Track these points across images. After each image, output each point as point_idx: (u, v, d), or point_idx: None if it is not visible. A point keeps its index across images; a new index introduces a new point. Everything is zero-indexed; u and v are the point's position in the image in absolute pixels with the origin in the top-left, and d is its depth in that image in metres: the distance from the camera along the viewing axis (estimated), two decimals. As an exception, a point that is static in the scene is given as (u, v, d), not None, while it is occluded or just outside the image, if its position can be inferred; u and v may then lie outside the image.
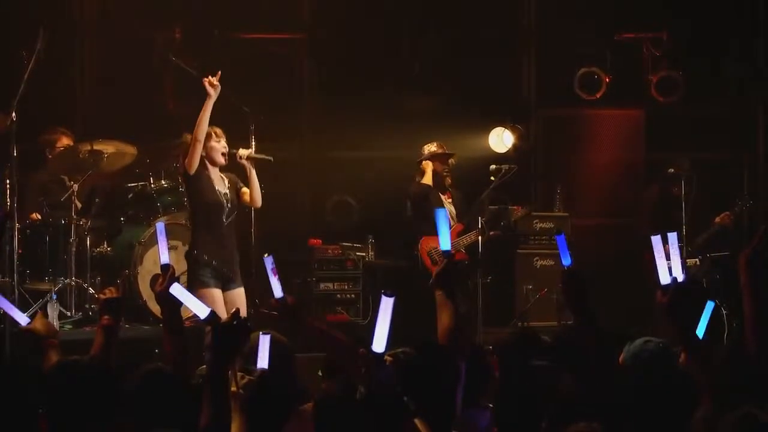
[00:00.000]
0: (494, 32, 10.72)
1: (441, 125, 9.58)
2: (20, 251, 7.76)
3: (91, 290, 8.11)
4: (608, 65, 10.47)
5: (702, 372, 3.39)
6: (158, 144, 8.93)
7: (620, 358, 3.79)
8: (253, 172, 7.01)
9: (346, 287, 9.58)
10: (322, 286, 9.54)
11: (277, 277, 3.79)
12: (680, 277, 3.43)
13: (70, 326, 7.92)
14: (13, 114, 7.46)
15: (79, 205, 8.36)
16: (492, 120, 10.13)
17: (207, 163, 6.91)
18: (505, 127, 10.01)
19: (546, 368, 3.68)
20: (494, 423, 3.72)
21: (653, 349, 3.74)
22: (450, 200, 8.80)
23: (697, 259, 9.17)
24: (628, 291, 8.88)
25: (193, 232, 7.09)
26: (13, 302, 4.20)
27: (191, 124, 6.84)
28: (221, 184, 6.99)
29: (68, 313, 8.01)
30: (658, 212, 9.38)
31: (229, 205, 6.97)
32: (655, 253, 3.45)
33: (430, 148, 8.81)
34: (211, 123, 6.86)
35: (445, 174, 8.77)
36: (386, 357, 3.06)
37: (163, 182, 8.76)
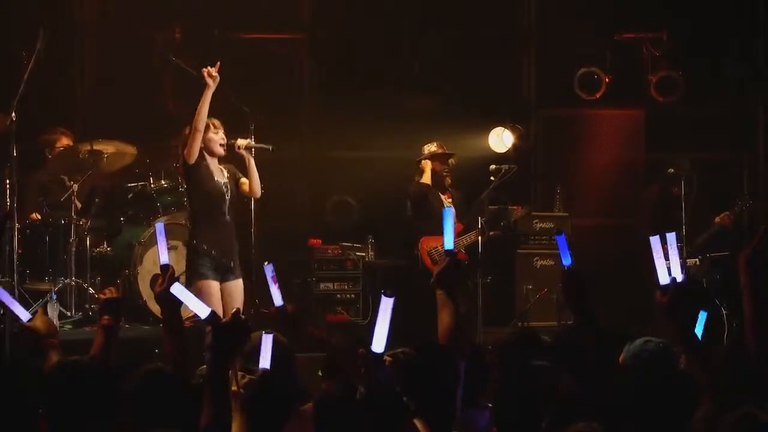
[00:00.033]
0: (494, 32, 10.72)
1: (441, 125, 9.58)
2: (20, 251, 7.76)
3: (91, 290, 8.11)
4: (608, 65, 10.47)
5: (702, 372, 3.39)
6: (158, 144, 8.93)
7: (620, 358, 3.79)
8: (252, 162, 7.02)
9: (346, 287, 9.58)
10: (322, 286, 9.54)
11: (277, 285, 3.79)
12: (679, 277, 3.43)
13: (70, 326, 7.92)
14: (13, 114, 7.46)
15: (79, 205, 8.37)
16: (492, 120, 10.13)
17: (205, 154, 6.94)
18: (505, 127, 10.00)
19: (546, 368, 3.68)
20: (494, 423, 3.72)
21: (653, 349, 3.74)
22: (450, 200, 8.80)
23: (697, 259, 9.17)
24: (628, 291, 8.88)
25: (192, 223, 7.09)
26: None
27: (191, 121, 6.85)
28: (220, 174, 7.01)
29: (68, 313, 8.02)
30: (658, 212, 9.38)
31: (229, 194, 6.99)
32: (654, 254, 3.45)
33: (430, 148, 8.82)
34: (211, 118, 6.89)
35: (444, 174, 8.78)
36: (386, 357, 3.06)
37: (163, 182, 8.76)
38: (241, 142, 7.06)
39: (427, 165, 8.76)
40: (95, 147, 8.36)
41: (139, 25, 9.93)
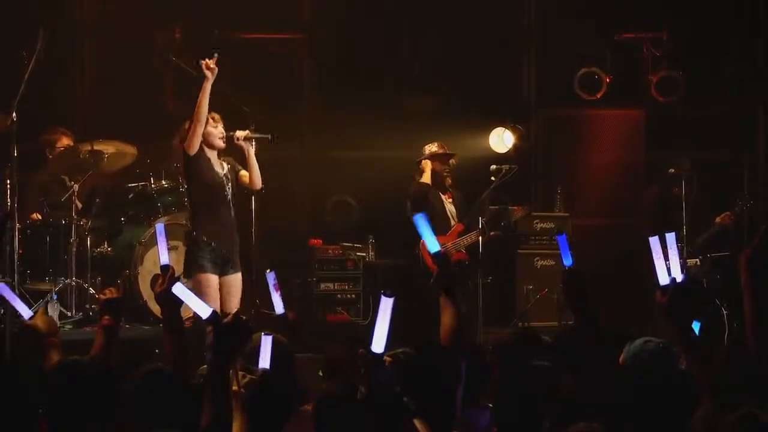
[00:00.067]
0: (494, 32, 10.71)
1: (441, 125, 9.58)
2: (20, 251, 7.77)
3: (92, 290, 8.11)
4: (608, 65, 10.46)
5: (702, 372, 3.39)
6: (158, 144, 8.92)
7: (620, 358, 3.79)
8: (252, 153, 7.05)
9: (346, 287, 9.58)
10: (322, 286, 9.54)
11: (279, 293, 3.78)
12: (679, 278, 3.43)
13: (70, 326, 7.92)
14: (13, 114, 7.46)
15: (80, 205, 8.37)
16: (492, 120, 10.13)
17: (205, 147, 6.97)
18: (506, 127, 10.00)
19: (546, 368, 3.68)
20: (494, 423, 3.72)
21: (653, 349, 3.74)
22: (450, 200, 8.81)
23: (697, 260, 9.17)
24: (628, 291, 8.88)
25: (192, 215, 7.11)
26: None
27: (191, 116, 6.86)
28: (220, 167, 7.06)
29: (68, 313, 8.02)
30: (658, 212, 9.38)
31: (229, 186, 7.01)
32: (653, 254, 3.45)
33: (431, 148, 8.82)
34: (210, 112, 6.90)
35: (445, 174, 8.78)
36: (385, 357, 3.06)
37: (163, 182, 8.76)
38: (240, 133, 7.09)
39: (427, 165, 8.77)
40: (96, 147, 8.37)
41: (139, 25, 9.93)
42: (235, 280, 7.02)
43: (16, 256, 7.54)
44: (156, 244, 7.42)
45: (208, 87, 6.77)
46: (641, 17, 10.50)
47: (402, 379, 3.20)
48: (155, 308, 7.74)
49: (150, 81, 10.03)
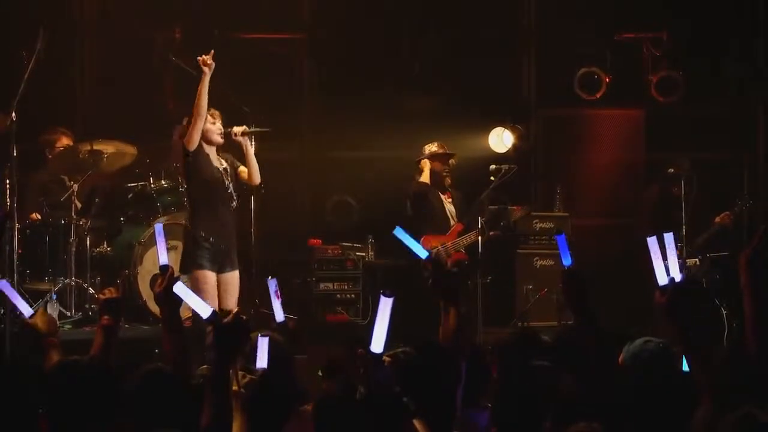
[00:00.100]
0: (494, 32, 10.71)
1: (441, 125, 9.58)
2: (20, 251, 7.76)
3: (91, 290, 8.11)
4: (608, 65, 10.46)
5: (702, 372, 3.39)
6: (158, 144, 8.93)
7: (620, 358, 3.79)
8: (250, 148, 7.07)
9: (346, 287, 9.58)
10: (322, 286, 9.54)
11: (280, 300, 3.78)
12: (678, 277, 3.43)
13: (70, 326, 7.92)
14: (13, 114, 7.46)
15: (79, 205, 8.37)
16: (492, 120, 10.13)
17: (204, 144, 6.97)
18: (505, 127, 10.00)
19: (546, 368, 3.68)
20: (493, 423, 3.72)
21: (653, 349, 3.74)
22: (450, 200, 8.81)
23: (697, 259, 9.16)
24: (628, 291, 8.87)
25: (191, 212, 7.11)
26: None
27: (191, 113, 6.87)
28: (219, 163, 7.08)
29: (68, 313, 8.02)
30: (658, 212, 9.38)
31: (228, 180, 7.01)
32: (652, 255, 3.45)
33: (431, 147, 8.82)
34: (209, 108, 6.91)
35: (444, 174, 8.78)
36: (385, 357, 3.06)
37: (163, 182, 8.76)
38: (237, 129, 7.11)
39: (426, 164, 8.77)
40: (95, 147, 8.37)
41: (139, 25, 9.93)
42: (233, 278, 7.03)
43: (15, 256, 7.53)
44: (155, 244, 7.42)
45: (206, 82, 6.79)
46: (641, 17, 10.50)
47: (402, 379, 3.20)
48: (155, 308, 7.74)
49: (150, 81, 10.03)
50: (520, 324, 9.11)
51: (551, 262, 9.53)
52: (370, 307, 9.38)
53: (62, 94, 9.95)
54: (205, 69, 6.80)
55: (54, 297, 7.89)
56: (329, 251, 9.65)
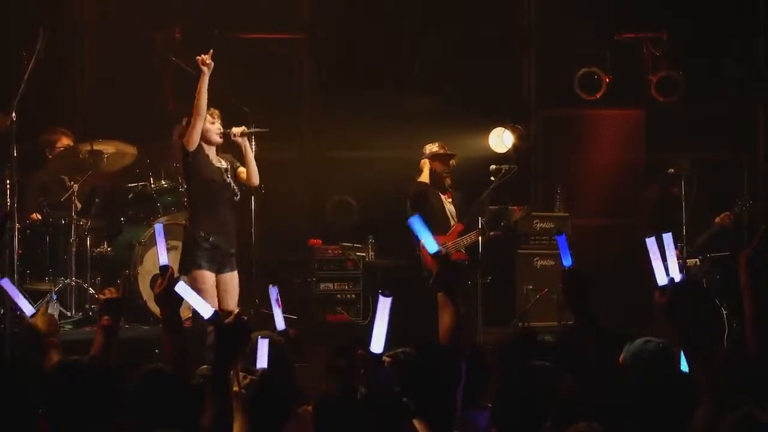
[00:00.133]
0: (494, 32, 10.72)
1: (441, 125, 9.58)
2: (20, 251, 7.76)
3: (91, 290, 8.11)
4: (608, 65, 10.47)
5: (702, 372, 3.39)
6: (158, 144, 8.92)
7: (620, 358, 3.79)
8: (249, 149, 7.07)
9: (346, 287, 9.58)
10: (322, 286, 9.54)
11: (281, 308, 3.77)
12: (677, 277, 3.43)
13: (70, 326, 7.92)
14: (13, 114, 7.46)
15: (79, 206, 8.37)
16: (492, 120, 10.13)
17: (203, 144, 6.97)
18: (505, 127, 10.00)
19: (546, 368, 3.68)
20: (493, 423, 3.72)
21: (653, 349, 3.74)
22: (450, 200, 8.81)
23: (697, 260, 9.17)
24: (628, 291, 8.87)
25: (191, 212, 7.11)
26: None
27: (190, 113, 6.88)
28: (219, 163, 7.07)
29: (68, 313, 8.02)
30: (658, 212, 9.37)
31: (228, 179, 7.01)
32: (651, 255, 3.45)
33: (432, 148, 8.82)
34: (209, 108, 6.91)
35: (445, 174, 8.78)
36: (385, 358, 3.06)
37: (163, 182, 8.76)
38: (236, 129, 7.11)
39: (426, 164, 8.77)
40: (95, 147, 8.37)
41: (139, 25, 9.93)
42: (232, 278, 7.03)
43: (15, 256, 7.53)
44: (155, 244, 7.42)
45: (205, 81, 6.80)
46: (641, 17, 10.50)
47: (402, 379, 3.20)
48: (155, 308, 7.74)
49: (150, 81, 10.03)
50: (520, 324, 9.11)
51: (551, 262, 9.53)
52: (370, 307, 9.39)
53: (62, 94, 9.95)
54: (204, 69, 6.81)
55: (54, 297, 7.89)
56: (329, 251, 9.65)
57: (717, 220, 9.24)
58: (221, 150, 7.12)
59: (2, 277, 4.39)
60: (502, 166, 8.94)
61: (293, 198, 10.44)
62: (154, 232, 7.44)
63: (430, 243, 3.71)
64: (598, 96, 10.47)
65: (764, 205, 10.13)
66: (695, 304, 8.43)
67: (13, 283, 7.15)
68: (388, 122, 10.10)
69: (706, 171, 9.48)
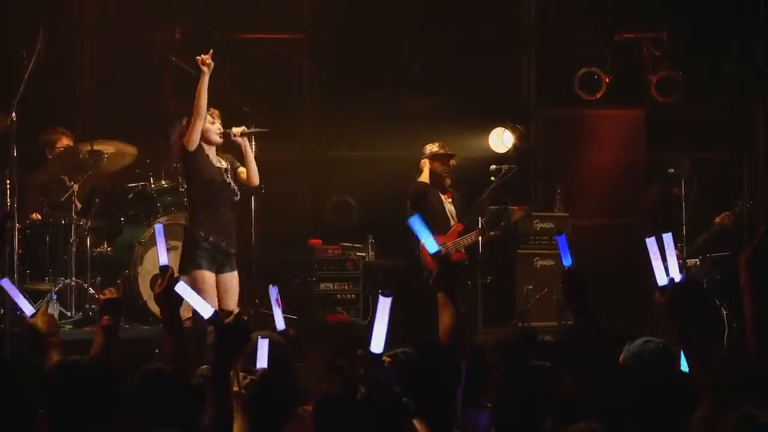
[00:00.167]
0: (494, 32, 10.72)
1: (441, 125, 9.58)
2: (20, 251, 7.76)
3: (91, 290, 8.11)
4: (608, 65, 10.47)
5: (702, 372, 3.39)
6: (158, 144, 8.93)
7: (620, 358, 3.79)
8: (249, 149, 7.07)
9: (346, 287, 9.58)
10: (322, 286, 9.54)
11: (281, 308, 3.77)
12: (677, 277, 3.43)
13: (70, 326, 7.92)
14: (13, 114, 7.46)
15: (79, 206, 8.37)
16: (492, 120, 10.13)
17: (203, 144, 6.97)
18: (505, 127, 10.00)
19: (546, 368, 3.68)
20: (493, 423, 3.72)
21: (653, 349, 3.74)
22: (450, 200, 8.81)
23: (697, 260, 9.17)
24: (628, 291, 8.87)
25: (191, 212, 7.11)
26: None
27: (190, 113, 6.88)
28: (219, 163, 7.07)
29: (68, 313, 8.02)
30: (658, 212, 9.37)
31: (228, 179, 7.01)
32: (651, 255, 3.45)
33: (432, 148, 8.82)
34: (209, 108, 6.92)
35: (445, 175, 8.78)
36: (385, 358, 3.06)
37: (163, 182, 8.76)
38: (236, 129, 7.12)
39: (425, 164, 8.77)
40: (95, 147, 8.37)
41: (139, 25, 9.93)
42: (232, 278, 7.03)
43: (15, 256, 7.53)
44: (155, 244, 7.42)
45: (205, 81, 6.80)
46: (641, 17, 10.50)
47: (402, 379, 3.20)
48: (155, 308, 7.74)
49: (150, 81, 10.02)
50: (520, 324, 9.11)
51: (551, 262, 9.53)
52: (370, 307, 9.38)
53: (62, 94, 9.95)
54: (204, 69, 6.81)
55: (54, 297, 7.89)
56: (329, 251, 9.65)
57: (717, 220, 9.25)
58: (221, 150, 7.12)
59: (2, 277, 4.39)
60: (502, 166, 8.94)
61: (293, 198, 10.44)
62: (154, 232, 7.44)
63: (430, 243, 3.70)
64: (598, 96, 10.47)
65: (764, 205, 10.13)
66: (695, 304, 8.43)
67: (13, 283, 7.19)
68: (388, 122, 10.10)
69: (706, 171, 9.48)
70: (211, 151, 7.03)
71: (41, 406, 3.32)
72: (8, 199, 7.50)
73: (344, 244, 9.75)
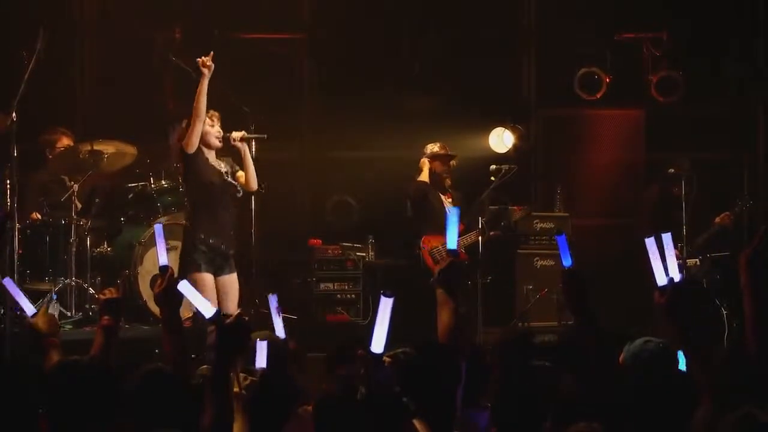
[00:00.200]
0: (494, 32, 10.71)
1: (441, 125, 9.58)
2: (20, 251, 7.76)
3: (91, 290, 8.11)
4: (608, 65, 10.46)
5: (702, 372, 3.39)
6: (158, 144, 8.93)
7: (620, 358, 3.79)
8: (248, 154, 7.07)
9: (346, 287, 9.57)
10: (322, 286, 9.54)
11: (281, 317, 3.77)
12: (677, 277, 3.43)
13: (70, 326, 7.92)
14: (13, 114, 7.46)
15: (80, 206, 8.37)
16: (492, 120, 10.13)
17: (203, 147, 6.98)
18: (505, 127, 10.00)
19: (546, 368, 3.68)
20: (493, 423, 3.72)
21: (653, 349, 3.74)
22: (450, 200, 8.80)
23: (697, 260, 9.17)
24: (628, 291, 8.87)
25: (190, 214, 7.10)
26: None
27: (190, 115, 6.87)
28: (218, 166, 7.07)
29: (68, 313, 8.02)
30: (658, 212, 9.37)
31: (228, 178, 7.01)
32: (650, 255, 3.46)
33: (433, 148, 8.81)
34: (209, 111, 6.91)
35: (445, 175, 8.77)
36: (385, 358, 3.06)
37: (163, 182, 8.76)
38: (236, 134, 7.11)
39: (425, 164, 8.76)
40: (95, 147, 8.37)
41: (139, 25, 9.93)
42: (231, 280, 7.02)
43: (15, 256, 7.53)
44: (155, 244, 7.42)
45: (205, 83, 6.80)
46: (641, 17, 10.50)
47: (402, 379, 3.21)
48: (155, 308, 7.74)
49: (150, 81, 10.02)
50: (520, 324, 9.11)
51: (551, 262, 9.53)
52: (370, 307, 9.38)
53: (62, 94, 9.95)
54: (204, 70, 6.80)
55: (54, 297, 7.89)
56: (329, 251, 9.65)
57: (717, 220, 9.25)
58: (220, 154, 7.11)
59: (3, 277, 4.40)
60: (502, 166, 8.94)
61: (293, 198, 10.44)
62: (154, 232, 7.44)
63: (453, 239, 3.77)
64: (598, 96, 10.47)
65: (764, 205, 10.13)
66: (695, 304, 8.43)
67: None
68: (388, 122, 10.09)
69: (706, 171, 9.48)
70: (210, 154, 7.03)
71: (41, 406, 3.32)
72: (8, 199, 7.49)
73: (344, 244, 9.74)
